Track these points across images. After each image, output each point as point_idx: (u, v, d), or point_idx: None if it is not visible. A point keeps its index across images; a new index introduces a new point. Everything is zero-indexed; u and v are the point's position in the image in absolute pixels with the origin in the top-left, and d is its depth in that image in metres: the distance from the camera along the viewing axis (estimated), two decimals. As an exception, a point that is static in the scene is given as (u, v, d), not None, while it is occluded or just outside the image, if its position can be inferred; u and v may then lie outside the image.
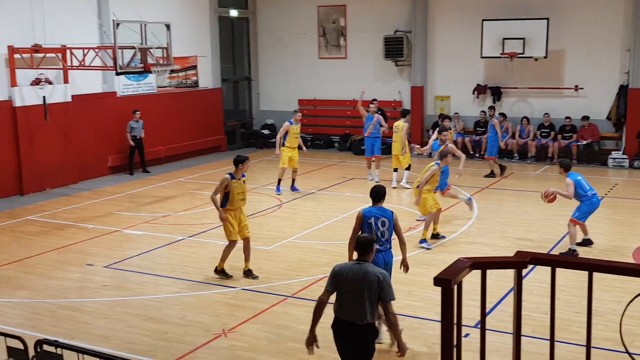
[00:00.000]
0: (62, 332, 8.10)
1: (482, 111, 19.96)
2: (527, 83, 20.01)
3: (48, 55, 15.70)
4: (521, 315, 4.09)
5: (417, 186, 11.50)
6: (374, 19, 21.64)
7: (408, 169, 16.14)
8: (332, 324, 5.98)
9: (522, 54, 18.90)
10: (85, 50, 15.07)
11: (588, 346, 4.08)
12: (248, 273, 10.03)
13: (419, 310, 8.67)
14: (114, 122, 18.22)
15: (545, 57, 18.86)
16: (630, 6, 18.48)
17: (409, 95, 21.38)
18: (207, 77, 21.58)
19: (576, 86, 19.42)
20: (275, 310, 8.81)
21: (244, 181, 9.89)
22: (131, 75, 17.85)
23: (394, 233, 7.75)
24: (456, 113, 20.61)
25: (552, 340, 4.17)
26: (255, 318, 8.55)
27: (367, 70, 21.95)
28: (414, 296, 9.14)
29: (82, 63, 15.14)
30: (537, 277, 8.99)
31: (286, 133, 15.43)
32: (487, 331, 4.21)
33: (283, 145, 15.45)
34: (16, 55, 15.38)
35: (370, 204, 7.81)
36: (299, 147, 15.72)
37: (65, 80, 16.69)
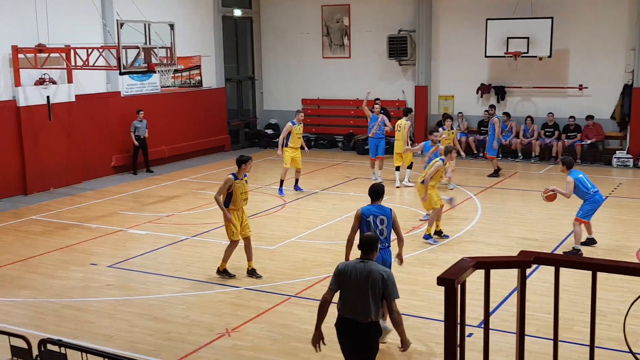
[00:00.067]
0: (65, 332, 8.11)
1: (485, 110, 19.94)
2: (531, 82, 19.98)
3: (52, 55, 15.73)
4: (525, 315, 4.08)
5: (422, 182, 11.63)
6: (377, 19, 21.62)
7: (410, 167, 16.15)
8: (336, 322, 5.98)
9: (526, 53, 18.86)
10: (89, 50, 15.09)
11: (592, 346, 4.06)
12: (252, 272, 10.03)
13: (422, 309, 8.66)
14: (118, 122, 18.24)
15: (550, 57, 18.81)
16: (634, 5, 18.44)
17: (413, 95, 21.36)
18: (211, 76, 21.59)
19: (580, 85, 19.38)
20: (279, 310, 8.80)
21: (245, 181, 9.90)
22: (135, 75, 17.86)
23: (393, 231, 7.76)
24: (460, 112, 20.58)
25: (555, 340, 4.16)
26: (259, 318, 8.55)
27: (370, 69, 21.94)
28: (417, 296, 9.13)
29: (86, 63, 15.17)
30: (540, 277, 8.97)
31: (289, 134, 15.42)
32: (490, 331, 4.20)
33: (286, 145, 15.44)
34: (20, 55, 15.42)
35: (369, 202, 7.82)
36: (301, 147, 15.71)
37: (69, 80, 16.73)
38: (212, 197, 10.73)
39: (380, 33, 21.32)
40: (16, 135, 15.72)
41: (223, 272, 10.00)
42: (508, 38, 18.94)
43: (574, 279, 7.73)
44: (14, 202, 15.35)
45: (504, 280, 8.22)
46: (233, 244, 9.92)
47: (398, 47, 20.86)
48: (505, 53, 19.09)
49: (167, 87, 19.67)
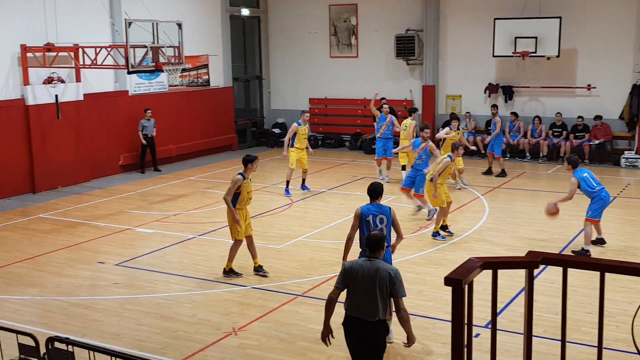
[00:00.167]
0: (73, 330, 8.14)
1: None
2: (539, 82, 19.92)
3: (60, 54, 15.79)
4: (532, 316, 4.07)
5: (431, 179, 11.71)
6: (385, 18, 21.60)
7: None
8: (343, 321, 5.98)
9: (535, 52, 18.81)
10: (98, 49, 15.14)
11: (600, 347, 4.04)
12: (258, 269, 10.06)
13: (429, 309, 8.65)
14: (126, 120, 18.29)
15: (558, 56, 18.75)
16: (643, 5, 18.37)
17: (421, 94, 21.34)
18: (219, 76, 21.62)
19: (589, 85, 19.31)
20: (286, 309, 8.81)
21: (250, 180, 9.95)
22: (143, 74, 17.89)
23: (392, 230, 7.73)
24: (468, 112, 20.54)
25: (563, 341, 4.14)
26: (266, 317, 8.56)
27: (378, 69, 21.93)
28: (424, 296, 9.12)
29: (94, 62, 15.22)
30: (548, 277, 8.95)
31: (294, 134, 15.40)
32: (497, 331, 4.19)
33: (292, 146, 15.42)
34: (29, 54, 15.48)
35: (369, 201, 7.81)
36: (306, 148, 15.69)
37: (78, 79, 16.78)
38: (219, 196, 10.75)
39: (388, 32, 21.31)
40: (25, 134, 15.78)
41: (229, 272, 10.02)
42: (516, 38, 18.90)
43: (582, 280, 7.69)
44: (22, 200, 15.41)
45: (512, 280, 8.20)
46: (237, 243, 9.93)
47: (406, 47, 20.84)
48: (513, 53, 19.04)
49: (175, 86, 19.71)
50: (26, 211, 14.46)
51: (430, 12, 20.71)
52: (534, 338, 4.16)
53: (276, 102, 24.05)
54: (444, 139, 15.41)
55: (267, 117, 24.04)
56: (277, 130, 23.05)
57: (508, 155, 19.50)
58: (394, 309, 6.04)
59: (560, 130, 19.31)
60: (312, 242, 11.85)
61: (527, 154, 19.57)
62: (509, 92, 20.26)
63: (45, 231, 12.88)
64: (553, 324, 7.75)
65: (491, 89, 20.42)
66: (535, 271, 4.11)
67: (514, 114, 19.56)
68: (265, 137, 23.18)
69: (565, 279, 4.01)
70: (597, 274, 3.95)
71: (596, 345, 4.07)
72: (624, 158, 18.47)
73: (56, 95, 16.04)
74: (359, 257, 6.65)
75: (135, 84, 18.71)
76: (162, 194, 16.03)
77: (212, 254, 11.17)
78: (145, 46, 14.45)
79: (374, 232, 6.40)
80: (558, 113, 19.33)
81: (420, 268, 10.24)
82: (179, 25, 14.91)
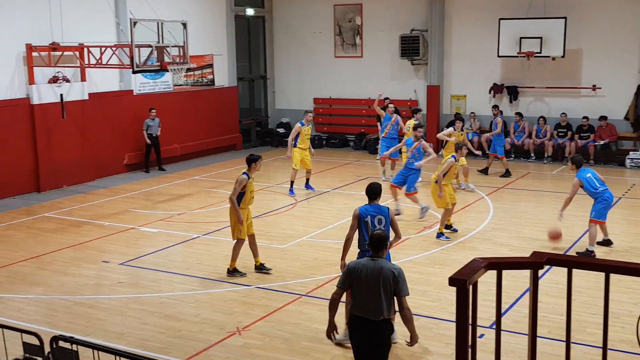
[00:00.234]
0: (77, 329, 8.15)
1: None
2: (544, 82, 19.88)
3: (66, 53, 15.81)
4: (537, 316, 4.06)
5: (436, 181, 11.71)
6: (390, 18, 21.59)
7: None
8: (348, 320, 5.97)
9: (539, 53, 18.77)
10: (103, 49, 15.15)
11: (604, 348, 4.04)
12: (260, 267, 10.07)
13: (433, 310, 8.64)
14: (131, 120, 18.32)
15: (563, 57, 18.72)
16: (649, 5, 18.32)
17: (425, 95, 21.32)
18: (223, 75, 21.63)
19: (594, 86, 19.27)
20: (290, 309, 8.81)
21: (252, 179, 9.98)
22: (148, 73, 17.92)
23: (391, 231, 7.71)
24: (472, 112, 20.51)
25: (568, 342, 4.13)
26: (270, 316, 8.56)
27: (383, 69, 21.91)
28: (428, 296, 9.11)
29: (99, 61, 15.23)
30: (553, 278, 8.93)
31: (298, 134, 15.39)
32: (502, 332, 4.18)
33: (295, 146, 15.41)
34: (34, 54, 15.51)
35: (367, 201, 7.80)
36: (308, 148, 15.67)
37: (83, 79, 16.81)
38: (223, 196, 10.76)
39: (393, 32, 21.29)
40: (30, 133, 15.82)
41: (233, 272, 10.02)
42: (521, 38, 18.86)
43: (587, 281, 7.69)
44: (27, 199, 15.44)
45: (516, 281, 8.19)
46: (240, 242, 9.94)
47: (410, 47, 20.82)
48: (518, 53, 19.00)
49: (180, 85, 19.73)
50: (31, 210, 14.49)
51: (435, 12, 20.69)
52: (538, 339, 4.15)
53: (281, 102, 24.06)
54: (446, 141, 15.39)
55: (272, 117, 24.04)
56: (281, 130, 23.05)
57: (513, 156, 19.47)
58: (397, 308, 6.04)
59: (565, 130, 19.27)
60: (316, 242, 11.85)
61: (532, 155, 19.53)
62: (513, 93, 20.22)
63: (49, 230, 12.91)
64: (558, 324, 7.72)
65: (496, 89, 20.39)
66: (540, 272, 4.10)
67: (519, 114, 19.53)
68: (270, 136, 23.19)
69: (570, 280, 4.00)
70: (602, 274, 3.94)
71: (601, 346, 4.06)
72: (629, 159, 18.41)
73: (61, 95, 16.08)
74: (358, 257, 6.64)
75: (140, 84, 18.73)
76: (166, 193, 16.04)
77: (216, 254, 11.17)
78: (150, 46, 14.47)
79: (376, 232, 6.39)
80: (563, 113, 19.29)
81: (425, 268, 10.22)
82: (184, 25, 14.93)
